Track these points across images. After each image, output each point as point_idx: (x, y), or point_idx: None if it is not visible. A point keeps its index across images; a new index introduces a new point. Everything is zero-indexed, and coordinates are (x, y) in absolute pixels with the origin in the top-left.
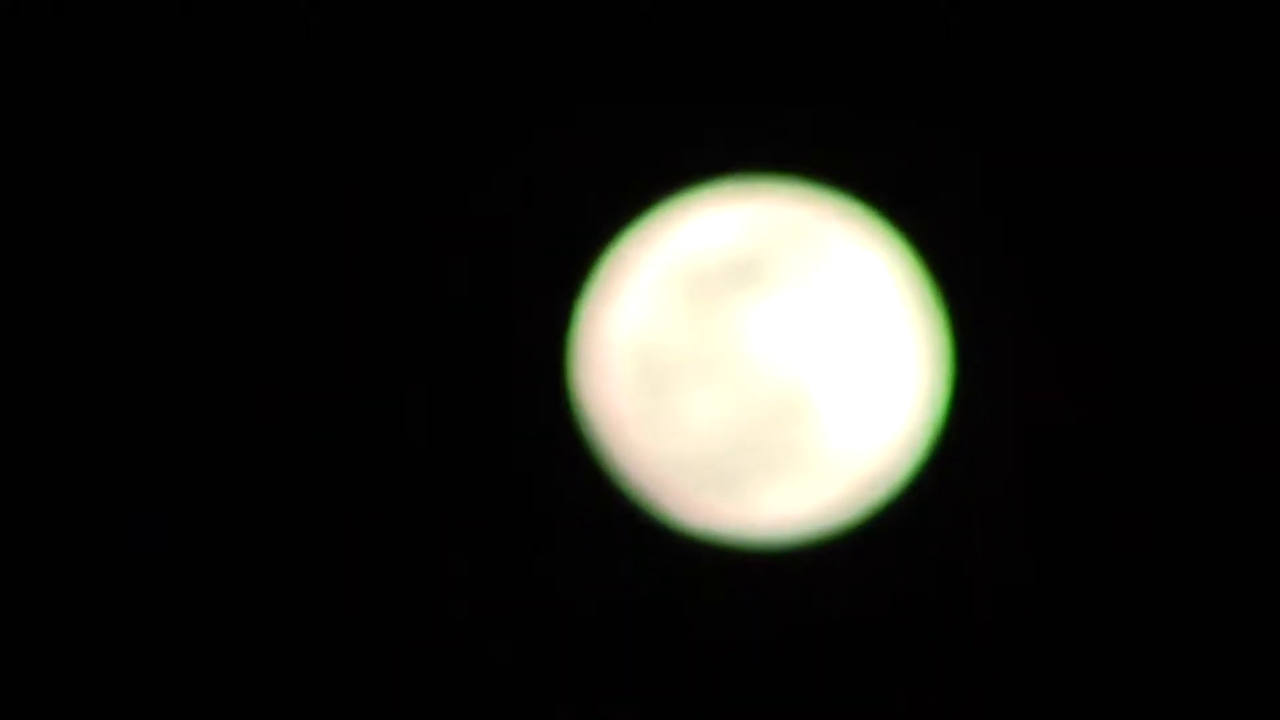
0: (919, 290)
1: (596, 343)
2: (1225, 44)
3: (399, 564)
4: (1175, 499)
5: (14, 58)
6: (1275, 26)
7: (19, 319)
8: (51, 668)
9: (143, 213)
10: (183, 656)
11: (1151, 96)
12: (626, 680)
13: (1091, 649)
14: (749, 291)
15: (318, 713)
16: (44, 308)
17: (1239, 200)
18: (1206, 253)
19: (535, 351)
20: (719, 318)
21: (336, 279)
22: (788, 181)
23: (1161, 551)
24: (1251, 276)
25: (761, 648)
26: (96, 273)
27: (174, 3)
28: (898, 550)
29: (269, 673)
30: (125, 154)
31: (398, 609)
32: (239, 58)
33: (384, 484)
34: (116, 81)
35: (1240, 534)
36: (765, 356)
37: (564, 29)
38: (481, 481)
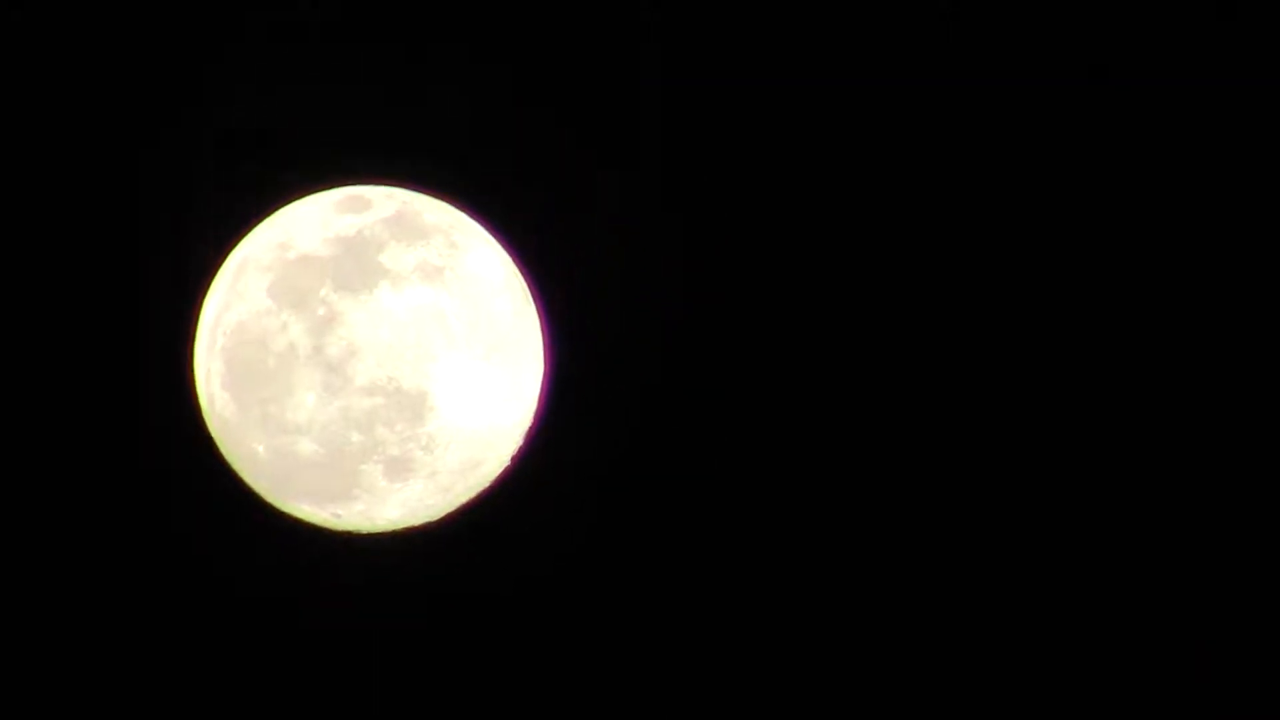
0: (523, 289)
1: (216, 343)
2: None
3: (26, 559)
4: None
5: None
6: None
7: None
8: None
9: None
10: None
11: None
12: (260, 674)
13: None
14: (363, 294)
15: None
16: None
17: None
18: (797, 254)
19: (155, 350)
20: (335, 320)
21: None
22: (399, 185)
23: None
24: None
25: (390, 631)
26: None
27: None
28: (508, 531)
29: None
30: None
31: (26, 604)
32: None
33: (6, 481)
34: None
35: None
36: (380, 357)
37: (198, 29)
38: (105, 481)
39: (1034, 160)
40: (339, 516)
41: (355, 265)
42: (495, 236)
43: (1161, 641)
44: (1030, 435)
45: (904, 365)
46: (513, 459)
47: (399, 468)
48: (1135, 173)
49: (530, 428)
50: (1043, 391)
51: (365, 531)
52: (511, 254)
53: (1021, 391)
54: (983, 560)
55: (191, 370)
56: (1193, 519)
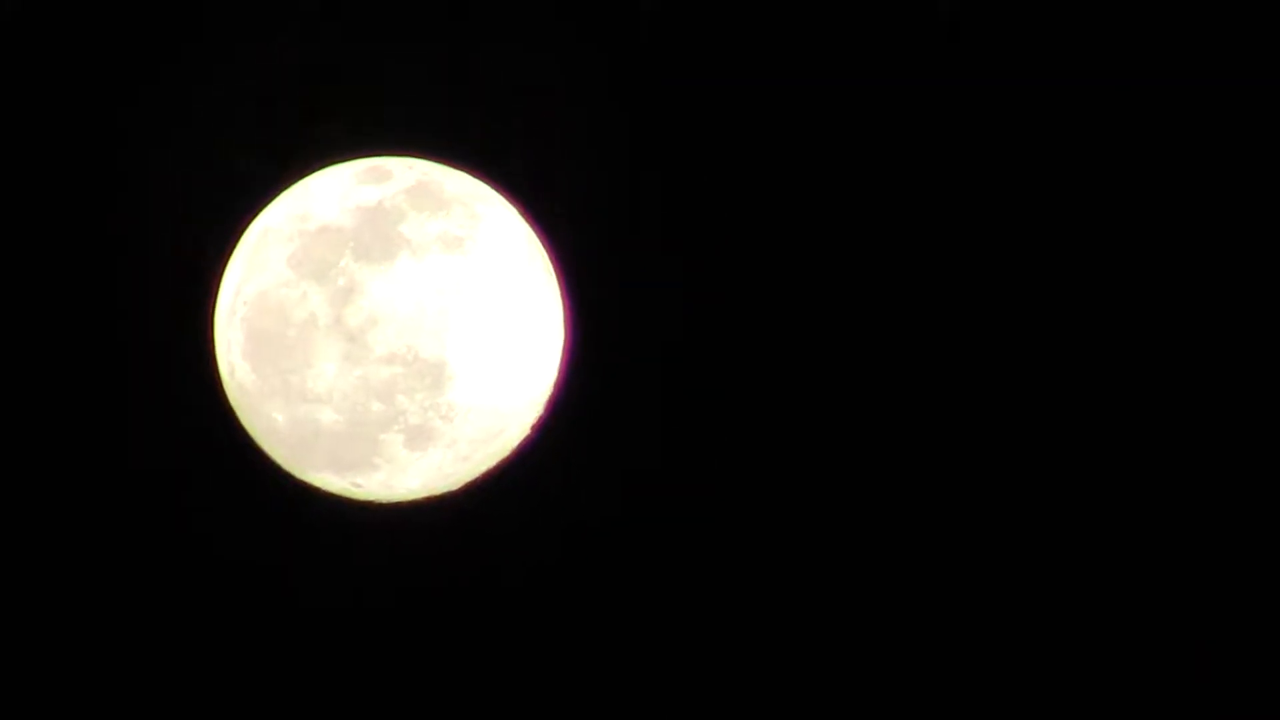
0: (544, 259)
1: (236, 312)
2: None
3: (43, 529)
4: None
5: None
6: None
7: None
8: None
9: None
10: None
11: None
12: (284, 639)
13: (705, 591)
14: (383, 264)
15: None
16: None
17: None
18: (816, 242)
19: (175, 320)
20: (355, 290)
21: None
22: (416, 159)
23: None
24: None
25: (409, 600)
26: None
27: None
28: (528, 500)
29: None
30: None
31: (43, 575)
32: None
33: (24, 449)
34: None
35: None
36: (399, 327)
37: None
38: (124, 450)
39: (1033, 160)
40: (359, 486)
41: (376, 236)
42: (516, 207)
43: (1161, 641)
44: (1030, 435)
45: (935, 343)
46: (533, 428)
47: (419, 437)
48: (1135, 173)
49: (550, 397)
50: (1043, 392)
51: (385, 501)
52: (532, 224)
53: (1021, 391)
54: (983, 560)
55: (212, 340)
56: (1193, 519)
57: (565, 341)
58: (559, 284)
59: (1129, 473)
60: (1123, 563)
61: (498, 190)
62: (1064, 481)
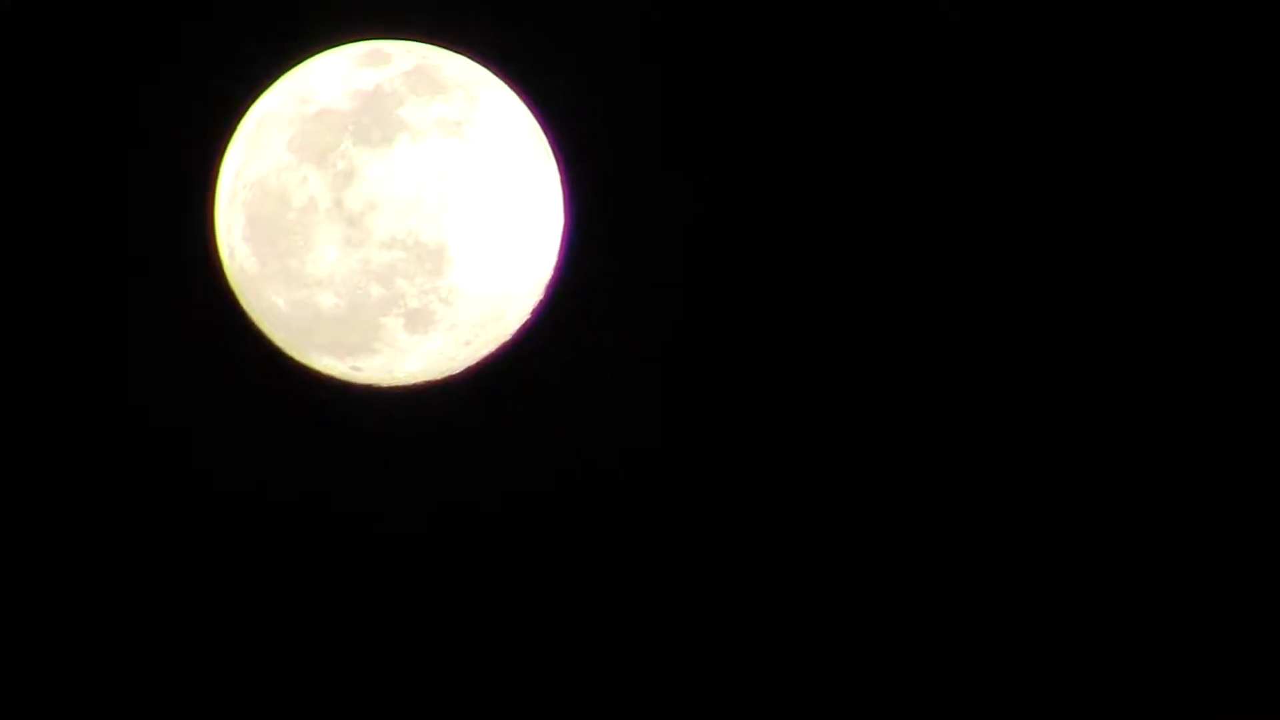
0: (544, 143)
1: (237, 196)
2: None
3: (47, 411)
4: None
5: None
6: None
7: None
8: None
9: None
10: None
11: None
12: (279, 529)
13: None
14: (382, 148)
15: None
16: None
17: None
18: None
19: (175, 203)
20: (355, 174)
21: None
22: (415, 43)
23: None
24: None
25: (411, 486)
26: None
27: None
28: (530, 384)
29: None
30: None
31: (45, 458)
32: None
33: (29, 334)
34: None
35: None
36: (399, 210)
37: None
38: (125, 332)
39: (1034, 160)
40: (359, 369)
41: (374, 119)
42: (515, 90)
43: (1161, 641)
44: (1030, 435)
45: (935, 342)
46: (533, 312)
47: (419, 320)
48: (1135, 172)
49: (551, 281)
50: (1043, 392)
51: (386, 385)
52: (532, 108)
53: (1021, 390)
54: (981, 560)
55: (212, 223)
56: (1193, 519)
57: (565, 226)
58: (559, 169)
59: (1129, 472)
60: (1123, 562)
61: (497, 74)
62: (1063, 479)
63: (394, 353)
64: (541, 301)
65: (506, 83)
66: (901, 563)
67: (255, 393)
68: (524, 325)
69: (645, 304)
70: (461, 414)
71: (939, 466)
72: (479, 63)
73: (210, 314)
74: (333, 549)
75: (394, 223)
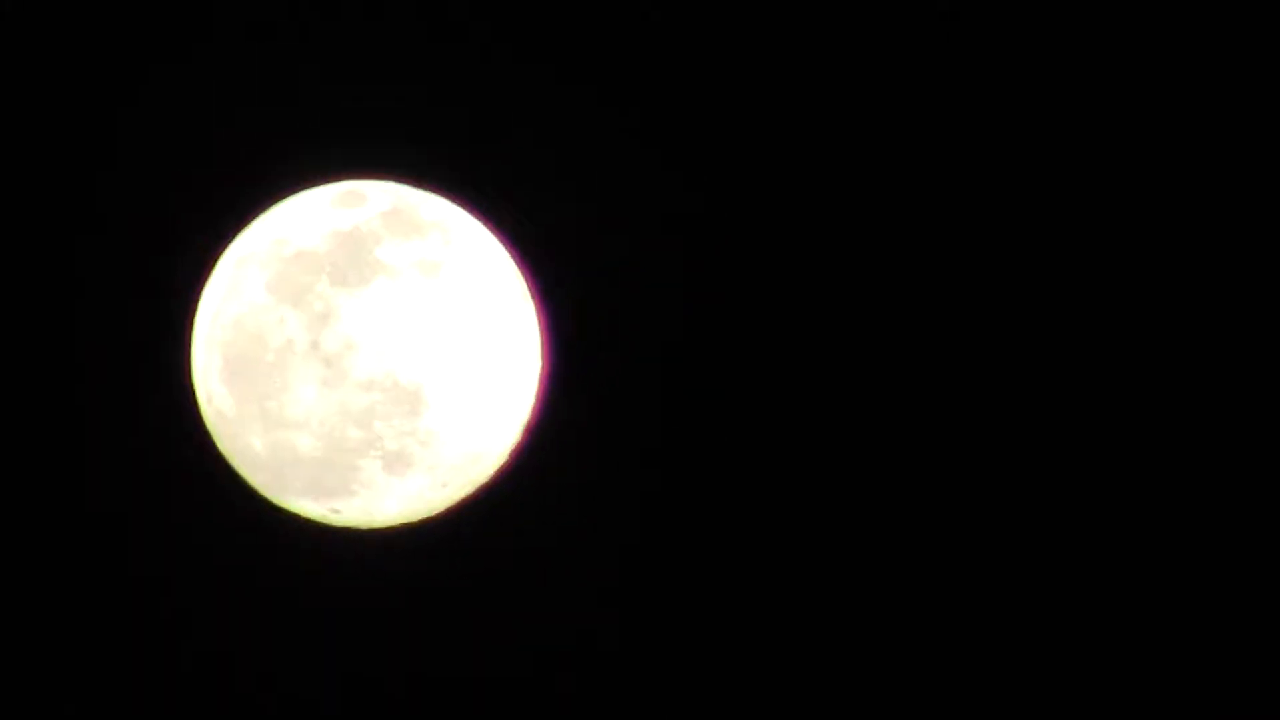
0: (520, 283)
1: (214, 337)
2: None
3: (23, 553)
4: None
5: None
6: None
7: None
8: None
9: None
10: None
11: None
12: (258, 669)
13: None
14: (361, 287)
15: None
16: None
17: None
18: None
19: (153, 345)
20: (333, 313)
21: None
22: (397, 183)
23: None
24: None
25: (389, 627)
26: None
27: None
28: (507, 525)
29: None
30: None
31: (22, 598)
32: None
33: (2, 472)
34: None
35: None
36: (377, 351)
37: (197, 20)
38: (102, 475)
39: (1034, 160)
40: (338, 512)
41: (352, 260)
42: (492, 231)
43: (1161, 641)
44: (1030, 435)
45: (902, 365)
46: (511, 453)
47: (397, 462)
48: (1135, 172)
49: (528, 422)
50: (1043, 391)
51: (364, 527)
52: (508, 249)
53: (1020, 389)
54: (982, 560)
55: (189, 365)
56: (1193, 519)
57: (542, 367)
58: (535, 308)
59: (1128, 472)
60: (1123, 562)
61: (473, 215)
62: (1062, 477)
63: (372, 495)
64: (519, 443)
65: (483, 223)
66: (902, 563)
67: (234, 536)
68: (502, 467)
69: (623, 443)
70: (439, 556)
71: (940, 470)
72: (455, 203)
73: (188, 457)
74: (311, 690)
75: (371, 364)
